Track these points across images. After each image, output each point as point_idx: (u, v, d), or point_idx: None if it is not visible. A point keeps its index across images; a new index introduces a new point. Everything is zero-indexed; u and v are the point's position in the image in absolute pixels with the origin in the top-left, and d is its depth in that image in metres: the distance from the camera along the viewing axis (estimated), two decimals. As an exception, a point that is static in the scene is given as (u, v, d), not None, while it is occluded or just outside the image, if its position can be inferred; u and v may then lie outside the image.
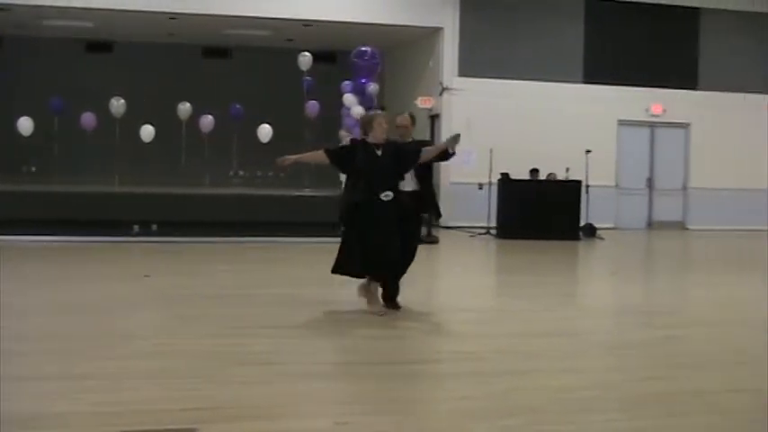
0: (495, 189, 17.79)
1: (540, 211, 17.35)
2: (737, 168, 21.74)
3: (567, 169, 18.17)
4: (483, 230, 17.89)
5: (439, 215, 9.42)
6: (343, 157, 8.53)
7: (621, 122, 21.29)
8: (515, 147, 19.22)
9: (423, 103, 19.44)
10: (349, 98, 16.27)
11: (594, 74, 20.96)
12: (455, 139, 8.66)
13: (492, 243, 16.91)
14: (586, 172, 18.36)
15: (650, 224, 21.81)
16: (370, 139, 8.47)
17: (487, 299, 10.23)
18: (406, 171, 8.61)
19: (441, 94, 20.19)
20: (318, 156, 8.72)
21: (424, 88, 20.92)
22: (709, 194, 21.73)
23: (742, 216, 21.66)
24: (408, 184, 8.65)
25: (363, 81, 16.38)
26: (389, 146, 8.51)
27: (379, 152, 8.40)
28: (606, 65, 21.02)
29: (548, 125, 20.30)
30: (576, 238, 17.47)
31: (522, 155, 18.80)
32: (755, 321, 8.68)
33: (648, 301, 10.40)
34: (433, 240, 16.07)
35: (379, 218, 8.21)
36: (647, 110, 21.52)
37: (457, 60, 20.35)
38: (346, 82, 16.50)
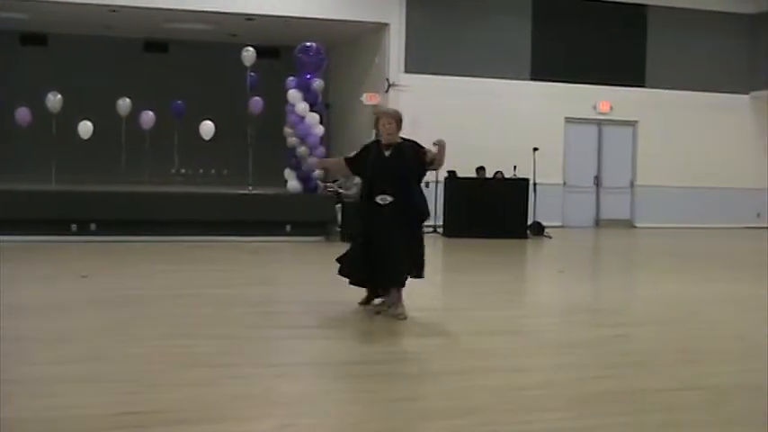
0: (441, 187, 17.81)
1: (488, 210, 17.41)
2: (685, 166, 22.04)
3: (515, 167, 18.26)
4: (429, 229, 17.88)
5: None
6: (356, 162, 8.44)
7: (569, 120, 21.45)
8: (462, 144, 19.15)
9: (368, 99, 19.41)
10: (293, 94, 16.15)
11: (542, 71, 21.09)
12: (441, 143, 8.38)
13: (439, 241, 16.93)
14: (534, 170, 18.46)
15: (598, 222, 22.01)
16: (383, 140, 8.32)
17: (435, 298, 10.21)
18: (421, 174, 8.35)
19: (387, 91, 20.17)
20: (339, 164, 8.79)
21: (369, 85, 20.89)
22: (657, 192, 22.00)
23: (690, 214, 21.97)
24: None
25: (308, 77, 16.28)
26: (402, 146, 8.29)
27: (387, 153, 8.24)
28: (554, 62, 21.17)
29: (495, 123, 20.38)
30: (523, 236, 17.56)
31: (469, 152, 18.84)
32: (703, 319, 8.78)
33: (596, 300, 10.47)
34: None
35: (378, 223, 8.04)
36: (594, 107, 21.72)
37: (403, 56, 20.35)
38: (291, 78, 16.38)
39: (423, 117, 19.50)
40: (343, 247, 15.09)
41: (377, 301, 8.48)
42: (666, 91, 21.89)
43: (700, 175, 22.16)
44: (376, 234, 8.08)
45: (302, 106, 16.07)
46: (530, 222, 18.20)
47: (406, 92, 20.01)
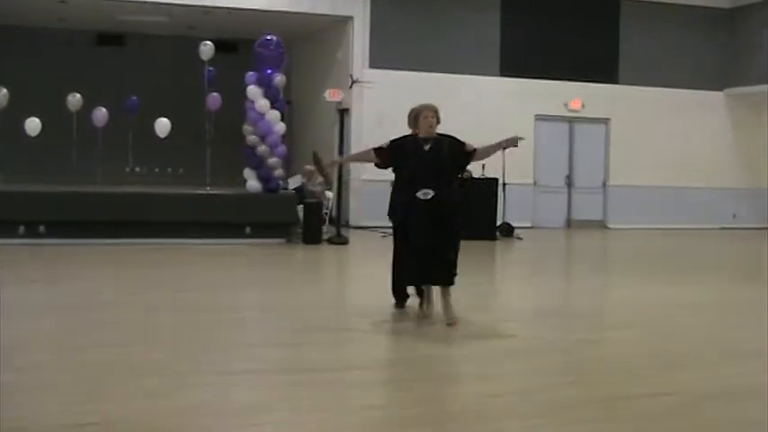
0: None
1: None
2: (659, 165, 22.24)
3: (483, 166, 18.32)
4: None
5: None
6: (390, 154, 8.45)
7: (539, 117, 21.57)
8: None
9: (331, 96, 19.41)
10: (253, 90, 16.12)
11: (511, 67, 21.20)
12: (514, 140, 8.57)
13: (405, 244, 16.94)
14: (503, 169, 18.56)
15: (569, 223, 22.16)
16: (420, 134, 8.40)
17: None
18: (459, 170, 8.53)
19: (350, 87, 20.19)
20: (367, 155, 8.74)
21: (332, 81, 20.90)
22: (630, 192, 22.19)
23: (664, 215, 22.17)
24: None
25: (268, 72, 16.25)
26: (441, 141, 8.41)
27: (427, 147, 8.33)
28: (523, 57, 21.28)
29: (463, 120, 20.39)
30: (492, 237, 17.65)
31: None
32: (676, 323, 8.89)
33: (568, 304, 10.56)
34: (343, 241, 16.06)
35: (419, 218, 8.11)
36: (565, 104, 21.87)
37: (368, 51, 20.38)
38: (250, 73, 16.33)
39: (388, 114, 19.59)
40: (306, 250, 15.12)
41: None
42: (639, 88, 22.09)
43: (674, 175, 22.38)
44: (418, 230, 8.13)
45: (262, 103, 16.04)
46: (499, 223, 18.30)
47: (371, 88, 20.04)
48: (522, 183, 20.70)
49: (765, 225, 22.69)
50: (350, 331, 8.04)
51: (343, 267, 14.18)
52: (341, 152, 18.82)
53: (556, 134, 21.93)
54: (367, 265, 14.12)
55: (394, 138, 8.70)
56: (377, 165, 8.70)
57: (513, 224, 18.70)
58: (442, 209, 8.14)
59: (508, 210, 18.80)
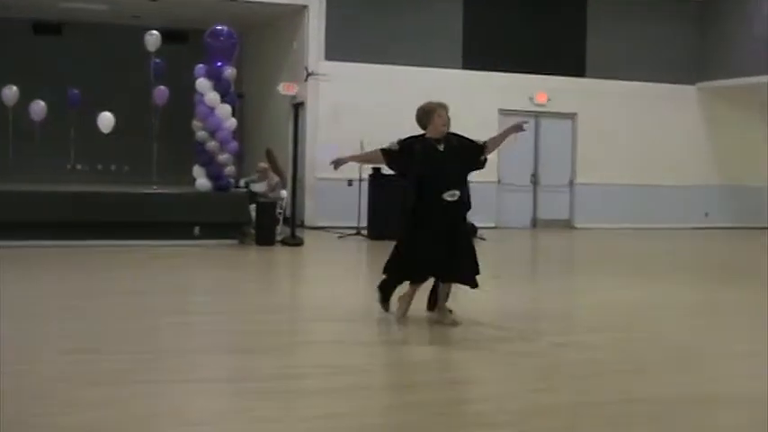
0: (366, 185, 17.85)
1: (417, 210, 17.46)
2: (628, 162, 22.39)
3: (446, 163, 18.36)
4: (353, 231, 17.93)
5: None
6: (402, 159, 8.47)
7: (503, 112, 21.60)
8: (388, 138, 19.25)
9: (286, 89, 19.32)
10: (202, 83, 16.03)
11: (475, 59, 21.23)
12: (519, 126, 8.71)
13: (363, 245, 16.97)
14: (466, 166, 18.56)
15: (535, 223, 22.27)
16: (430, 134, 8.44)
17: (359, 307, 10.22)
18: (475, 167, 8.63)
19: (306, 80, 20.14)
20: (374, 156, 8.84)
21: (287, 73, 20.84)
22: (598, 191, 22.32)
23: (633, 214, 22.32)
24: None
25: (219, 64, 16.17)
26: (451, 139, 8.50)
27: (441, 147, 8.39)
28: (487, 50, 21.32)
29: (424, 115, 20.46)
30: (455, 238, 17.65)
31: (397, 147, 18.92)
32: (646, 327, 8.97)
33: (535, 307, 10.61)
34: (297, 242, 16.02)
35: (446, 220, 8.27)
36: (530, 99, 21.96)
37: (323, 42, 20.32)
38: (200, 65, 16.25)
39: (345, 109, 19.60)
40: (259, 251, 15.07)
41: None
42: (608, 81, 22.19)
43: (643, 173, 22.54)
44: (444, 232, 8.29)
45: (212, 96, 15.95)
46: (462, 223, 18.31)
47: (327, 81, 20.00)
48: (485, 181, 20.68)
49: (739, 224, 22.93)
50: (298, 335, 8.02)
51: (298, 270, 14.15)
52: (295, 148, 18.80)
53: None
54: (322, 268, 14.12)
55: (403, 138, 8.70)
56: (392, 168, 8.71)
57: (477, 224, 18.73)
58: (461, 210, 8.48)
59: (471, 209, 18.77)
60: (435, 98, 21.28)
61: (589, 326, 9.13)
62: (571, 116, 22.38)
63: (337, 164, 8.90)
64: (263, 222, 15.97)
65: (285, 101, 20.45)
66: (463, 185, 8.48)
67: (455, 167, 8.41)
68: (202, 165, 16.15)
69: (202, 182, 16.11)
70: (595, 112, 22.26)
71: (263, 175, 17.31)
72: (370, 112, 19.51)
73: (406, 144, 8.57)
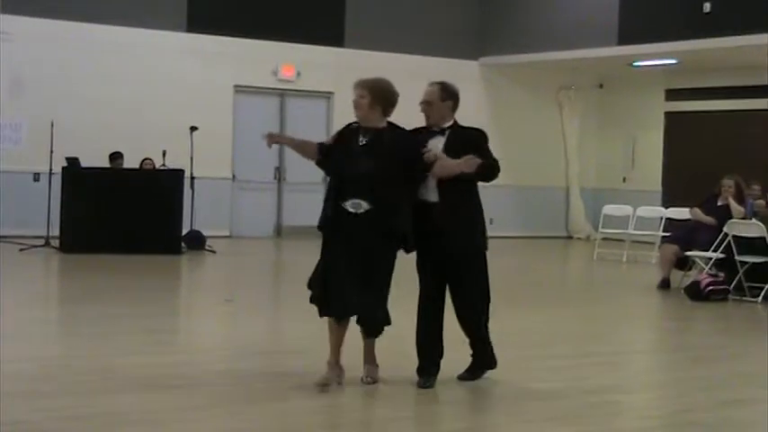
0: (57, 181, 17.47)
1: (125, 214, 17.24)
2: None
3: (164, 153, 18.23)
4: (40, 241, 17.52)
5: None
6: (329, 153, 8.14)
7: (239, 89, 21.68)
8: (89, 119, 19.01)
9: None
10: None
11: (202, 20, 21.08)
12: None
13: (53, 259, 16.67)
14: (191, 158, 18.47)
15: (280, 231, 22.37)
16: (359, 121, 8.03)
17: (47, 342, 10.03)
18: (412, 171, 7.96)
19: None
20: (308, 148, 8.45)
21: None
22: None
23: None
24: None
25: None
26: (384, 135, 8.01)
27: (363, 141, 7.92)
28: (218, 8, 21.26)
29: (136, 90, 20.23)
30: (176, 251, 17.58)
31: (100, 132, 18.70)
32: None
33: (276, 338, 10.76)
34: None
35: (347, 237, 7.81)
36: (274, 72, 22.08)
37: (1, -9, 19.83)
38: None
39: (29, 79, 19.12)
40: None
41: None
42: (373, 53, 22.42)
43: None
44: (345, 254, 7.88)
45: None
46: (185, 231, 18.24)
47: (8, 41, 19.44)
48: (216, 176, 20.73)
49: (530, 233, 23.84)
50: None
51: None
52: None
53: (262, 111, 22.02)
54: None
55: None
56: (321, 167, 8.49)
57: (205, 233, 18.69)
58: (373, 229, 7.81)
59: (198, 213, 18.75)
60: (149, 69, 21.28)
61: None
62: (326, 95, 22.61)
63: (271, 139, 8.52)
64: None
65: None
66: (383, 197, 7.79)
67: (369, 170, 7.79)
68: None
69: None
70: (356, 91, 22.53)
71: None
72: (63, 84, 19.14)
73: (338, 135, 8.29)
